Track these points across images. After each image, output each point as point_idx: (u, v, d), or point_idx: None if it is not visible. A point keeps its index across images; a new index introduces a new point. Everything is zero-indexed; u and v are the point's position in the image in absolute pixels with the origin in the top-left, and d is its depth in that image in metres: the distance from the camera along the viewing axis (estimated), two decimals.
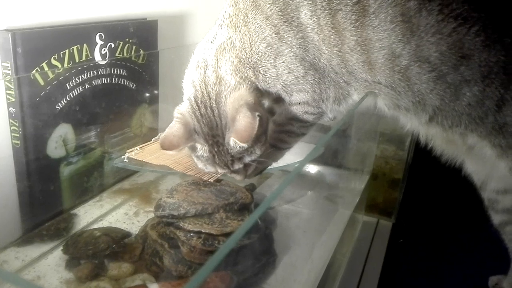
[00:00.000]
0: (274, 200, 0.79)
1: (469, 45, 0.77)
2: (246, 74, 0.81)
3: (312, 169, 1.18)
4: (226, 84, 0.81)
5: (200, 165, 0.86)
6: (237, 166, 0.83)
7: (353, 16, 0.77)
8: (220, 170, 0.84)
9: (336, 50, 0.80)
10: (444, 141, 0.92)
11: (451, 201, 1.51)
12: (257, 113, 0.74)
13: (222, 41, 0.82)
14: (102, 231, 0.91)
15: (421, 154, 1.05)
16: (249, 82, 0.81)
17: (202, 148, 0.82)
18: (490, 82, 0.78)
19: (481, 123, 0.82)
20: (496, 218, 1.02)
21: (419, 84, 0.79)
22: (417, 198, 1.48)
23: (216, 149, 0.81)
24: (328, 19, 0.78)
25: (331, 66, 0.81)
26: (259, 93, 0.83)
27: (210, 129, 0.81)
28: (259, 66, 0.81)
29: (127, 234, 0.91)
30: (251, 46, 0.80)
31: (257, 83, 0.82)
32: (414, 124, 0.89)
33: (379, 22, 0.77)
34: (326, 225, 1.01)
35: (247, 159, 0.82)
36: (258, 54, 0.80)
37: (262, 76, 0.82)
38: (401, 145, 1.33)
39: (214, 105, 0.80)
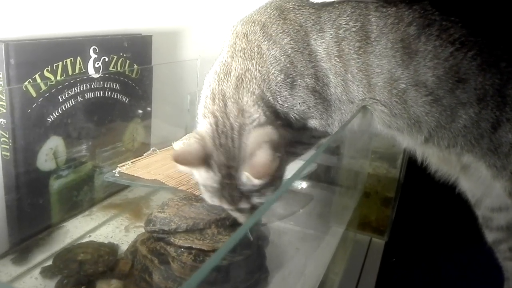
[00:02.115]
0: (263, 215, 0.77)
1: (466, 69, 0.78)
2: (267, 105, 0.79)
3: (304, 186, 1.17)
4: (249, 116, 0.77)
5: (206, 196, 0.80)
6: (244, 205, 0.77)
7: (356, 44, 0.79)
8: (225, 206, 0.79)
9: (341, 80, 0.81)
10: (439, 160, 0.93)
11: (444, 220, 1.51)
12: (278, 154, 0.70)
13: (240, 73, 0.80)
14: (89, 251, 0.87)
15: (414, 172, 1.06)
16: (271, 115, 0.78)
17: (213, 178, 0.77)
18: (485, 104, 0.80)
19: (477, 144, 0.83)
20: (490, 236, 1.01)
21: (415, 107, 0.81)
22: (410, 216, 1.47)
23: (227, 181, 0.76)
24: (335, 47, 0.79)
25: (336, 95, 0.82)
26: (280, 127, 0.79)
27: (227, 160, 0.76)
28: (278, 97, 0.80)
29: (114, 253, 0.89)
30: (269, 77, 0.79)
31: (278, 111, 0.81)
32: (410, 143, 0.90)
33: (380, 49, 0.78)
34: (319, 243, 1.00)
35: (256, 200, 0.76)
36: (276, 85, 0.79)
37: (280, 106, 0.80)
38: (393, 163, 1.33)
39: (236, 136, 0.76)
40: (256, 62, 0.80)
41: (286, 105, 0.81)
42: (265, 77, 0.80)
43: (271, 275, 0.86)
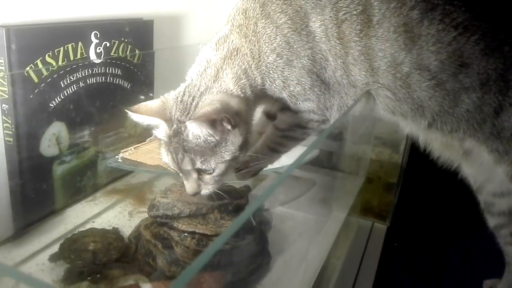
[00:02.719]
0: (266, 200, 0.77)
1: (469, 54, 0.78)
2: (246, 85, 0.80)
3: (307, 171, 1.17)
4: (221, 85, 0.79)
5: (162, 151, 0.80)
6: (186, 166, 0.77)
7: (358, 27, 0.78)
8: (171, 164, 0.79)
9: (341, 62, 0.80)
10: (442, 145, 0.93)
11: (446, 205, 1.51)
12: (226, 115, 0.72)
13: (233, 47, 0.81)
14: (97, 239, 0.85)
15: (416, 157, 1.05)
16: (245, 94, 0.79)
17: (166, 131, 0.78)
18: (488, 89, 0.80)
19: (479, 128, 0.83)
20: (492, 221, 1.02)
21: (419, 91, 0.81)
22: (412, 202, 1.48)
23: (174, 136, 0.76)
24: (335, 29, 0.79)
25: (335, 78, 0.82)
26: (250, 106, 0.81)
27: (181, 115, 0.76)
28: (267, 77, 0.81)
29: (122, 239, 0.88)
30: (259, 57, 0.80)
31: (263, 91, 0.82)
32: (413, 128, 0.89)
33: (382, 32, 0.78)
34: (321, 228, 1.01)
35: (198, 164, 0.75)
36: (266, 66, 0.80)
37: (269, 85, 0.82)
38: (396, 149, 1.33)
39: (197, 95, 0.77)
40: (250, 40, 0.80)
41: (276, 85, 0.81)
42: (256, 56, 0.80)
43: (273, 260, 0.86)
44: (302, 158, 0.63)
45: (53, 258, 0.83)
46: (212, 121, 0.72)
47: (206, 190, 0.79)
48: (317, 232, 0.97)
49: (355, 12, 0.79)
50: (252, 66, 0.80)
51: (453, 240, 1.37)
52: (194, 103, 0.77)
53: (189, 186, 0.79)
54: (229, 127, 0.74)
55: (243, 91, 0.79)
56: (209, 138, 0.74)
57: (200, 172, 0.77)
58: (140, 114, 0.77)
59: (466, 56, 0.78)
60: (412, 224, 1.41)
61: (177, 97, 0.78)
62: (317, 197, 1.18)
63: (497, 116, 0.82)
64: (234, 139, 0.76)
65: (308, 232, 1.01)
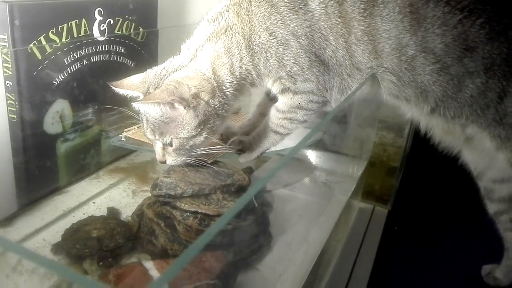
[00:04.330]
0: (268, 182, 0.78)
1: (474, 37, 0.77)
2: (225, 66, 0.81)
3: (310, 154, 1.17)
4: (195, 66, 0.81)
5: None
6: (150, 135, 0.83)
7: (361, 5, 0.77)
8: (143, 131, 0.85)
9: (342, 41, 0.79)
10: (443, 131, 0.92)
11: (447, 190, 1.52)
12: (174, 98, 0.75)
13: (222, 26, 0.81)
14: (98, 226, 0.85)
15: (420, 142, 1.05)
16: (220, 76, 0.81)
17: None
18: (492, 74, 0.79)
19: (482, 114, 0.83)
20: (492, 207, 1.02)
21: (423, 75, 0.80)
22: (414, 186, 1.48)
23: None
24: (336, 7, 0.78)
25: (336, 58, 0.81)
26: (222, 89, 0.82)
27: (152, 89, 0.81)
28: (260, 56, 0.80)
29: (124, 224, 0.87)
30: (250, 37, 0.79)
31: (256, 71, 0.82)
32: (415, 113, 0.89)
33: (387, 12, 0.77)
34: (322, 210, 1.01)
35: (157, 135, 0.81)
36: (258, 45, 0.80)
37: (263, 65, 0.81)
38: (400, 133, 1.32)
39: (168, 72, 0.81)
40: (242, 20, 0.80)
41: (270, 64, 0.81)
42: (247, 36, 0.80)
43: (274, 241, 0.87)
44: (306, 141, 0.63)
45: (56, 249, 0.81)
46: (159, 104, 0.77)
47: (170, 160, 0.85)
48: (318, 215, 0.98)
49: None
50: (242, 45, 0.80)
51: (453, 226, 1.38)
52: (162, 80, 0.81)
53: (156, 153, 0.85)
54: (181, 108, 0.78)
55: (218, 72, 0.80)
56: (161, 116, 0.79)
57: (164, 143, 0.83)
58: (122, 88, 0.83)
59: (471, 40, 0.77)
60: (413, 208, 1.42)
61: (157, 71, 0.83)
62: (319, 180, 1.18)
63: (501, 101, 0.81)
64: (189, 120, 0.79)
65: (309, 214, 1.02)
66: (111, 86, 0.83)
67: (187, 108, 0.78)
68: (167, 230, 0.80)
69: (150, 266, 0.71)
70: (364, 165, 1.26)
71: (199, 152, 0.85)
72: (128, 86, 0.83)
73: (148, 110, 0.79)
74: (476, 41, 0.77)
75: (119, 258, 0.80)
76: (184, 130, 0.80)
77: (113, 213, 0.94)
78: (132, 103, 0.80)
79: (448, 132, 0.92)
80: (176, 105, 0.77)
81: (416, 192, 1.49)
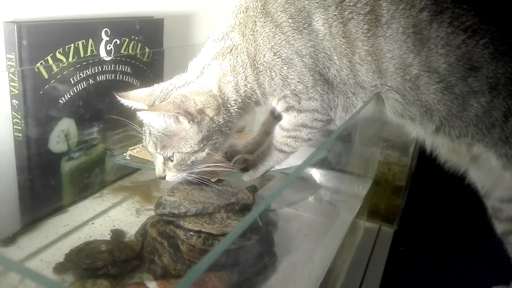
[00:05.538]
0: (273, 201, 0.77)
1: (478, 57, 0.78)
2: (231, 84, 0.81)
3: (315, 173, 1.17)
4: (201, 83, 0.81)
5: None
6: (151, 148, 0.83)
7: (365, 26, 0.78)
8: (145, 145, 0.85)
9: (346, 61, 0.80)
10: (449, 150, 0.92)
11: (454, 209, 1.50)
12: (179, 111, 0.76)
13: (228, 45, 0.82)
14: (103, 243, 0.84)
15: (425, 161, 1.05)
16: (226, 94, 0.82)
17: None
18: (497, 93, 0.79)
19: (488, 133, 0.83)
20: (500, 227, 1.01)
21: (427, 94, 0.80)
22: (420, 206, 1.47)
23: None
24: (340, 27, 0.79)
25: (340, 77, 0.81)
26: (227, 107, 0.82)
27: (159, 102, 0.82)
28: (265, 75, 0.81)
29: (131, 244, 0.86)
30: (255, 56, 0.80)
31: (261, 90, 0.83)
32: (420, 132, 0.89)
33: (391, 33, 0.78)
34: (328, 230, 1.00)
35: (158, 149, 0.81)
36: (263, 64, 0.80)
37: (268, 84, 0.82)
38: (405, 152, 1.32)
39: (175, 88, 0.82)
40: (247, 40, 0.81)
41: (274, 83, 0.81)
42: (252, 55, 0.81)
43: (279, 261, 0.86)
44: (311, 160, 0.63)
45: (60, 269, 0.79)
46: (164, 115, 0.77)
47: (170, 176, 0.84)
48: (324, 234, 0.97)
49: (362, 12, 0.78)
50: (247, 65, 0.81)
51: (460, 246, 1.35)
52: (168, 95, 0.81)
53: (156, 168, 0.85)
54: (186, 122, 0.78)
55: (224, 90, 0.81)
56: (164, 128, 0.79)
57: (165, 157, 0.83)
58: (128, 99, 0.83)
59: (475, 60, 0.78)
60: (419, 228, 1.40)
61: (164, 86, 0.84)
62: (324, 199, 1.17)
63: (506, 120, 0.81)
64: (193, 134, 0.80)
65: (314, 233, 1.01)
66: (118, 97, 0.84)
67: (191, 122, 0.78)
68: (171, 250, 0.79)
69: (153, 286, 0.70)
70: (369, 184, 1.25)
71: (200, 169, 0.85)
72: (134, 97, 0.84)
73: (152, 121, 0.80)
74: (480, 60, 0.78)
75: (120, 278, 0.78)
76: (186, 144, 0.80)
77: (116, 234, 0.93)
78: (137, 112, 0.80)
79: (453, 151, 0.91)
80: (180, 118, 0.78)
81: (422, 211, 1.48)
